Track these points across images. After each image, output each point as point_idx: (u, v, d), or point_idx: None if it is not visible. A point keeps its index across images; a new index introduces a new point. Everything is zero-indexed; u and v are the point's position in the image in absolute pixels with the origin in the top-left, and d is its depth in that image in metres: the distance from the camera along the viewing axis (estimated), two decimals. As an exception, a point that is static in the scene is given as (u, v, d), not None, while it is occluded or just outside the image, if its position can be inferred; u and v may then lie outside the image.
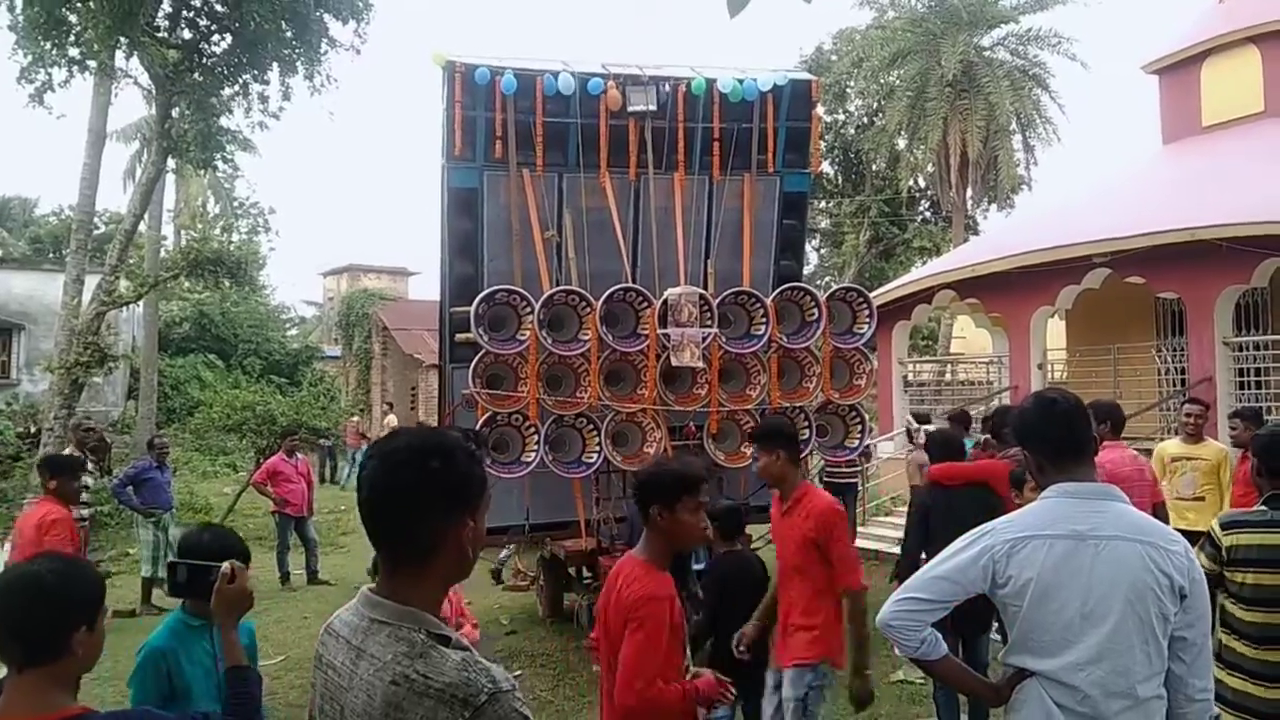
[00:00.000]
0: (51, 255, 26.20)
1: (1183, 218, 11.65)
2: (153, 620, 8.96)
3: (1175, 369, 13.17)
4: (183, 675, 2.91)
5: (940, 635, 2.57)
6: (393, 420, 22.00)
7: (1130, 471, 5.46)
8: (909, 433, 11.08)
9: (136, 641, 9.17)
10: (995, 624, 5.32)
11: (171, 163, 16.51)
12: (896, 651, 2.79)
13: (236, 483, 17.15)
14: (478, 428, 7.10)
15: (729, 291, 7.66)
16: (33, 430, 17.31)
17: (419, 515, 1.61)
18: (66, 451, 9.78)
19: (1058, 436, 2.59)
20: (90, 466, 9.99)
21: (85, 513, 9.86)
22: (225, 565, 2.36)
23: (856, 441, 8.22)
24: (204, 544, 2.69)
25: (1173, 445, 7.19)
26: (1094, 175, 20.35)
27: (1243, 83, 14.91)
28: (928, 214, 32.18)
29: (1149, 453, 7.04)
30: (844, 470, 10.58)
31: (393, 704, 1.52)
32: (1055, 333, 15.51)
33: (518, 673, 7.22)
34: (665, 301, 7.30)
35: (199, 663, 2.92)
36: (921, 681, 6.27)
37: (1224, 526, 3.56)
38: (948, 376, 20.64)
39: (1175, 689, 2.45)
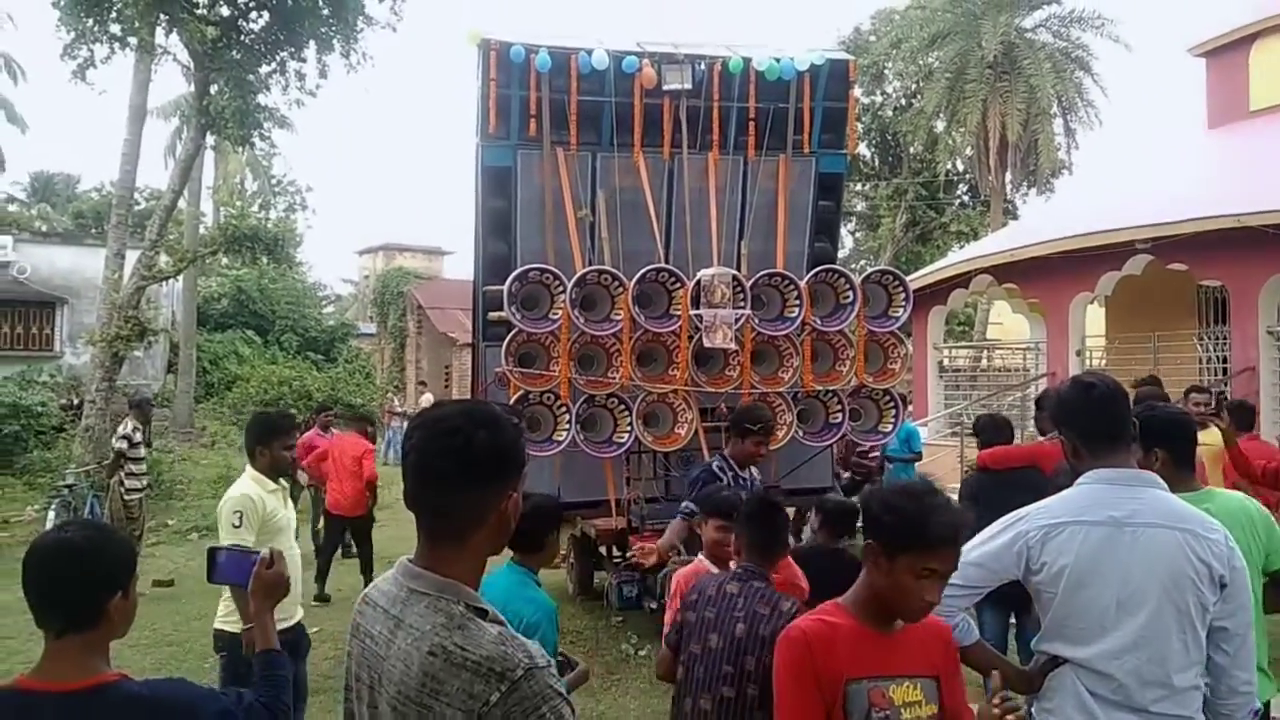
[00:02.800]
0: (94, 230, 26.59)
1: (1228, 204, 11.41)
2: (186, 587, 9.12)
3: (1217, 358, 12.95)
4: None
5: (971, 621, 2.54)
6: (429, 399, 22.18)
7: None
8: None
9: (175, 609, 9.33)
10: None
11: (210, 139, 16.70)
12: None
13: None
14: (510, 404, 7.13)
15: (762, 273, 7.61)
16: (75, 402, 17.62)
17: (466, 485, 1.61)
18: (132, 425, 9.84)
19: (1094, 421, 2.55)
20: (144, 438, 10.17)
21: (142, 484, 10.07)
22: (265, 551, 2.39)
23: (890, 426, 8.16)
24: None
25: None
26: (1137, 160, 20.01)
27: (1293, 66, 14.56)
28: (965, 198, 31.81)
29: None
30: (864, 461, 10.43)
31: (429, 674, 1.53)
32: (1094, 319, 15.30)
33: (546, 650, 7.27)
34: (698, 282, 7.26)
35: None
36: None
37: None
38: (984, 363, 20.43)
39: (1218, 680, 2.41)
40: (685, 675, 3.27)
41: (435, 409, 1.72)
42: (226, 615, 4.42)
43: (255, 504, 4.44)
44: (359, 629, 1.73)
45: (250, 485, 4.53)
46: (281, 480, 4.68)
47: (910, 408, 13.02)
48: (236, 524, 4.38)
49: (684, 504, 5.53)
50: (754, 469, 5.74)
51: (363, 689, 1.70)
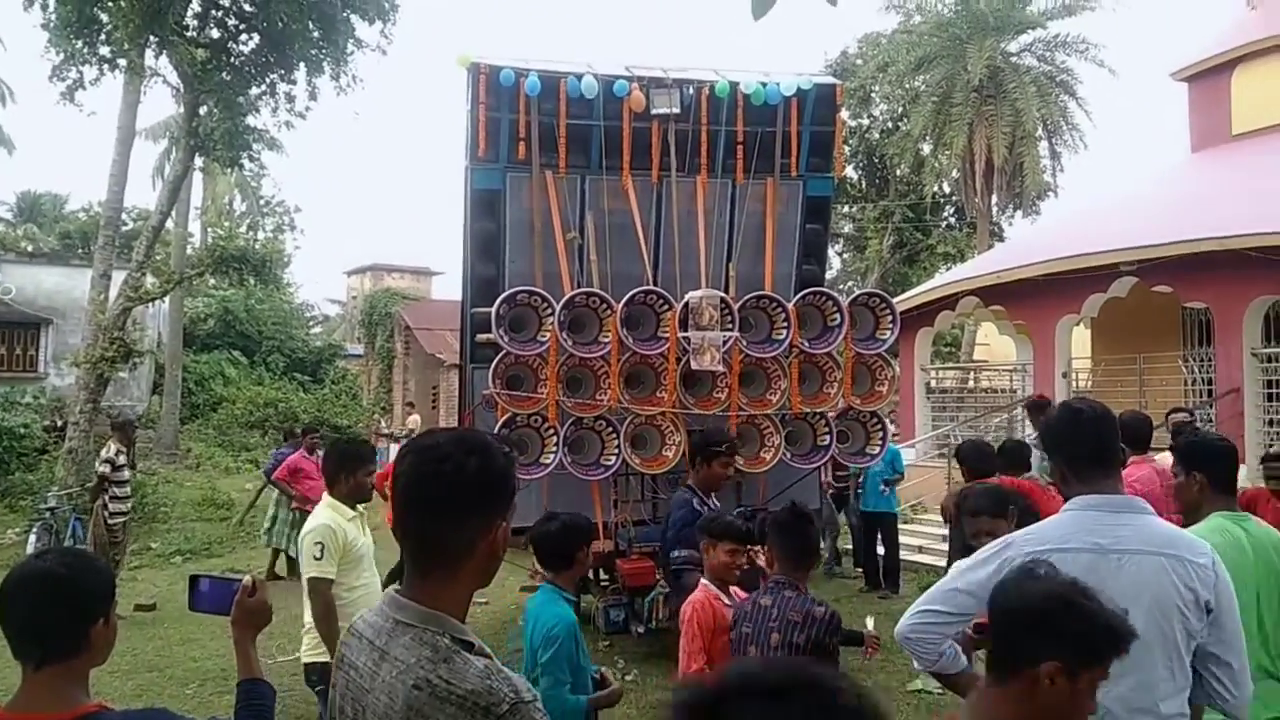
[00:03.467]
0: (80, 251, 26.49)
1: (1212, 226, 11.52)
2: (168, 612, 9.03)
3: (1202, 379, 13.01)
4: (580, 642, 3.55)
5: (958, 649, 2.53)
6: (416, 420, 22.09)
7: (1156, 490, 5.23)
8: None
9: (156, 634, 9.22)
10: None
11: (199, 161, 16.69)
12: (915, 665, 2.76)
13: (258, 479, 17.26)
14: (497, 428, 7.11)
15: (750, 295, 7.63)
16: (59, 423, 17.50)
17: (455, 513, 1.60)
18: (115, 448, 9.73)
19: (1081, 447, 2.55)
20: (131, 459, 10.08)
21: (126, 507, 9.96)
22: (246, 579, 2.37)
23: (878, 448, 8.17)
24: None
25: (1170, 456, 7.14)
26: (1121, 183, 20.17)
27: (1274, 90, 14.73)
28: (952, 220, 31.99)
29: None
30: (834, 480, 10.54)
31: (414, 708, 1.50)
32: (1080, 341, 15.37)
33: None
34: (686, 304, 7.28)
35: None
36: (940, 693, 6.22)
37: None
38: (970, 384, 20.48)
39: (1218, 707, 2.42)
40: None
41: (427, 436, 1.71)
42: (313, 648, 4.39)
43: (335, 533, 4.36)
44: (344, 660, 1.71)
45: (329, 514, 4.44)
46: (359, 508, 4.58)
47: (895, 429, 13.04)
48: (318, 555, 4.31)
49: (677, 554, 5.32)
50: (714, 497, 5.58)
51: None
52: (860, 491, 10.47)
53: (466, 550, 1.61)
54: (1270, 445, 11.45)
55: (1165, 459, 7.06)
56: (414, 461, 1.63)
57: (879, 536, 10.16)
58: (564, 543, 3.77)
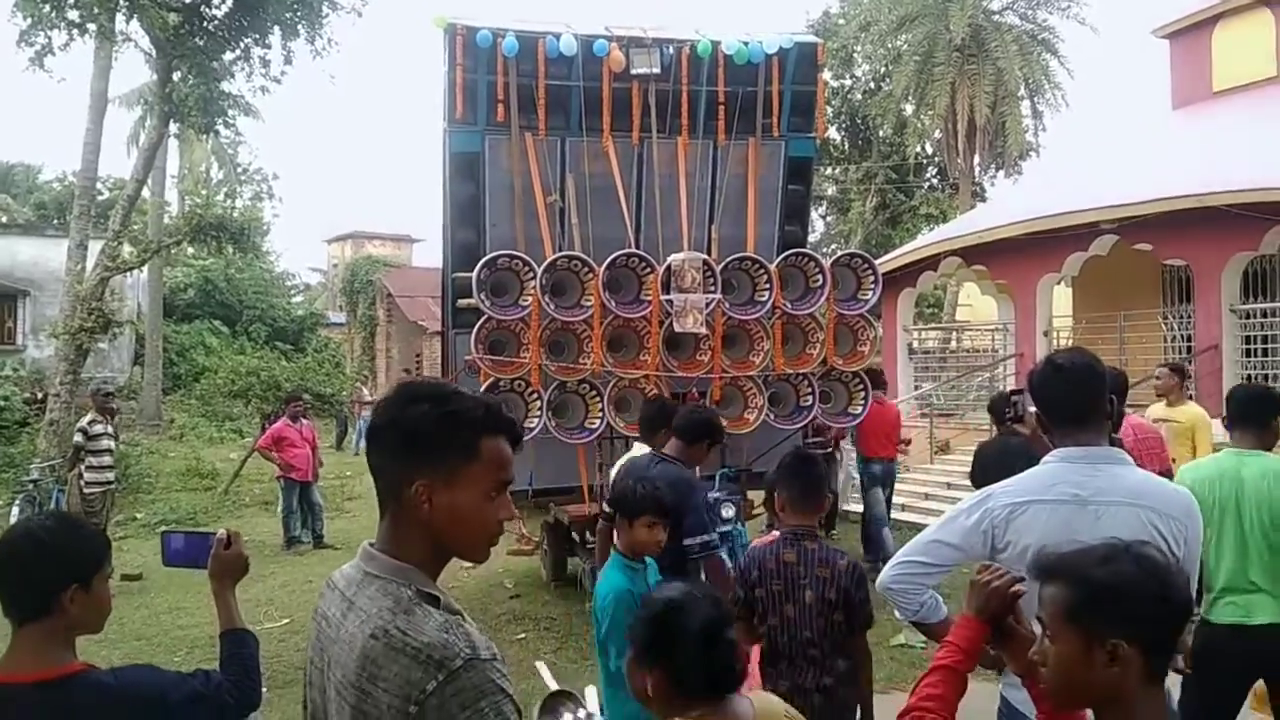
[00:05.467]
0: (55, 221, 26.15)
1: (1192, 184, 11.55)
2: (154, 581, 9.04)
3: (1181, 336, 13.13)
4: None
5: (939, 597, 2.56)
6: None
7: (1131, 444, 5.39)
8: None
9: (143, 603, 9.23)
10: None
11: (173, 127, 16.43)
12: (897, 615, 2.79)
13: (242, 448, 17.23)
14: (480, 392, 7.09)
15: (733, 257, 7.61)
16: (39, 396, 17.36)
17: (381, 454, 1.61)
18: (89, 418, 9.75)
19: (1061, 400, 2.57)
20: (111, 429, 10.04)
21: (110, 476, 9.94)
22: (221, 531, 2.37)
23: (860, 408, 8.21)
24: None
25: (1157, 408, 7.26)
26: (1102, 141, 20.20)
27: (1255, 47, 14.74)
28: (934, 181, 31.97)
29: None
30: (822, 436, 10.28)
31: (369, 658, 1.47)
32: (1062, 300, 15.45)
33: (521, 635, 7.28)
34: (668, 267, 7.25)
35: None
36: (923, 646, 6.30)
37: None
38: (953, 344, 20.59)
39: None
40: (770, 645, 3.42)
41: (401, 384, 1.73)
42: None
43: None
44: (318, 611, 1.70)
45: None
46: None
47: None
48: None
49: (703, 539, 4.68)
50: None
51: (315, 673, 1.66)
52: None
53: (391, 498, 1.60)
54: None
55: (1151, 412, 7.20)
56: (377, 406, 1.68)
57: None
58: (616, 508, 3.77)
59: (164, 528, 2.74)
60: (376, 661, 1.47)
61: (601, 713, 3.59)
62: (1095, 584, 1.62)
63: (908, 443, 10.16)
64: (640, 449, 5.33)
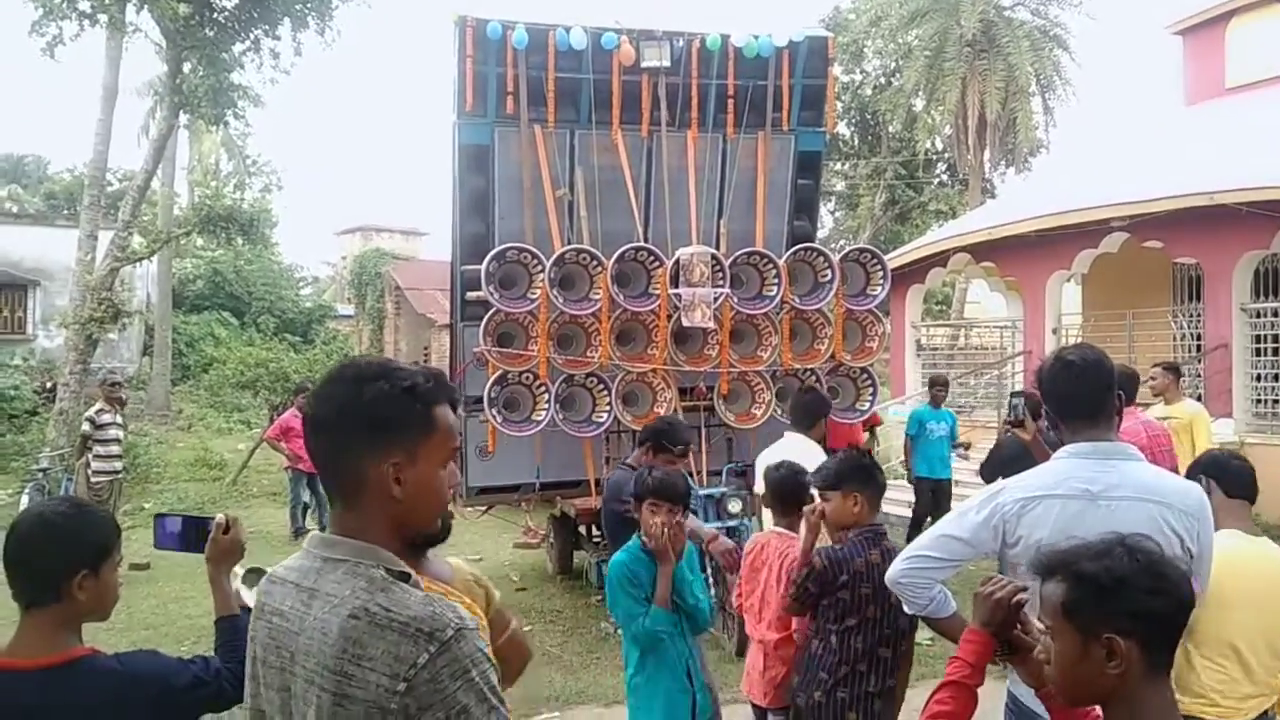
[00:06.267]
0: (66, 212, 26.21)
1: (1203, 182, 11.48)
2: (162, 570, 9.07)
3: (1191, 334, 13.05)
4: (642, 581, 3.54)
5: (948, 593, 2.56)
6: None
7: (1141, 441, 5.31)
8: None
9: (151, 592, 9.26)
10: None
11: (184, 118, 16.44)
12: (905, 609, 2.78)
13: (250, 439, 17.26)
14: (489, 386, 7.09)
15: (741, 252, 7.61)
16: (48, 385, 17.43)
17: (339, 439, 1.55)
18: (97, 408, 9.82)
19: (1072, 396, 2.56)
20: (120, 419, 10.08)
21: (118, 465, 9.99)
22: (220, 516, 2.38)
23: (868, 404, 8.19)
24: None
25: (1158, 407, 7.22)
26: (1113, 138, 20.10)
27: (1268, 44, 14.64)
28: (944, 177, 31.84)
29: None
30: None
31: (351, 638, 1.43)
32: (1070, 297, 15.39)
33: (526, 629, 7.27)
34: (677, 261, 7.25)
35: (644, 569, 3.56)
36: (930, 642, 6.28)
37: None
38: (961, 341, 20.53)
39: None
40: (841, 644, 3.37)
41: (342, 362, 1.67)
42: None
43: None
44: (264, 609, 1.61)
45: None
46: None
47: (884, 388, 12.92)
48: None
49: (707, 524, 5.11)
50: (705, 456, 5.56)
51: (270, 673, 1.58)
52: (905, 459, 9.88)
53: (355, 482, 1.54)
54: (1259, 399, 11.55)
55: (1151, 412, 7.18)
56: (317, 384, 1.61)
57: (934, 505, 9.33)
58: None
59: (160, 510, 2.76)
60: (360, 642, 1.43)
61: None
62: (1088, 579, 1.62)
63: (968, 446, 9.76)
64: (793, 438, 5.31)
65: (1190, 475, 3.04)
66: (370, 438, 1.53)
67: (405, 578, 1.50)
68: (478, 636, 1.46)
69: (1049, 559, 1.72)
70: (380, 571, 1.49)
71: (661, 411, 7.39)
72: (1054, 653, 1.67)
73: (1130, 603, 1.58)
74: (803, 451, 4.82)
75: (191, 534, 2.38)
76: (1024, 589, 1.95)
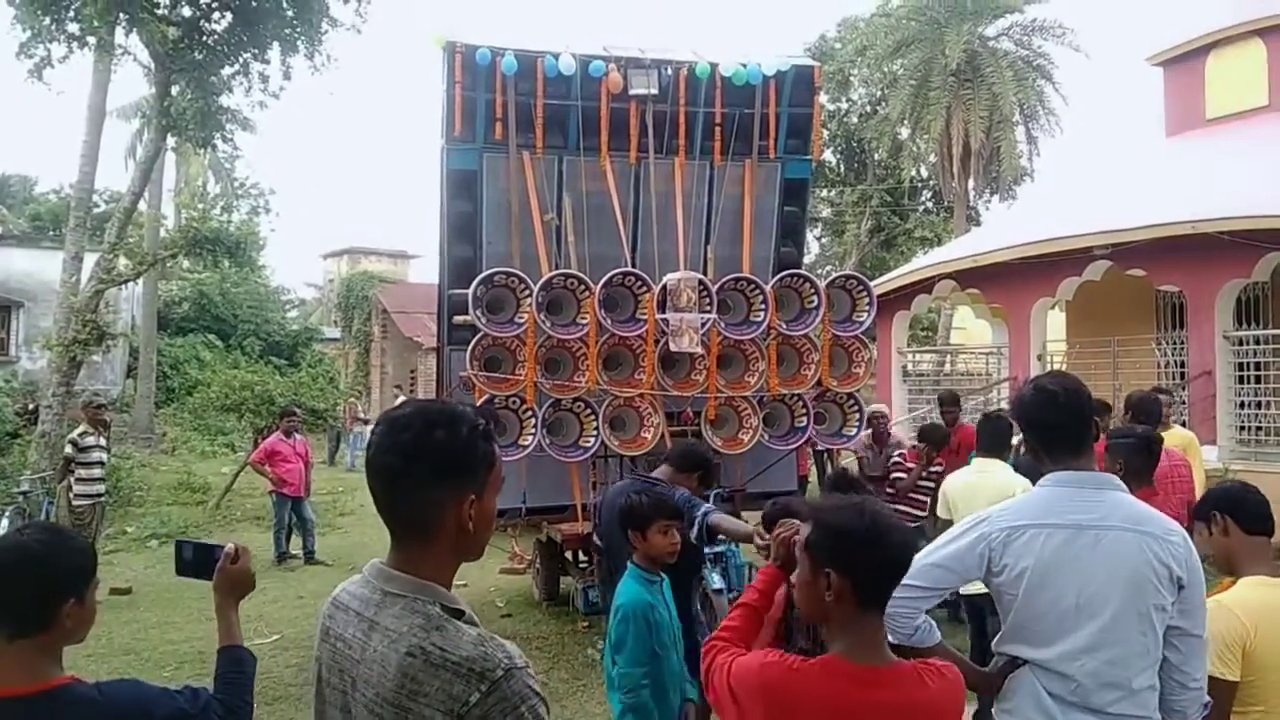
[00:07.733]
0: (51, 233, 26.08)
1: (1185, 211, 11.61)
2: (144, 595, 8.98)
3: (1175, 362, 13.16)
4: (659, 625, 3.51)
5: (933, 623, 2.55)
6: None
7: (1165, 469, 4.97)
8: None
9: (132, 617, 9.16)
10: None
11: (171, 141, 16.46)
12: (890, 639, 2.78)
13: (235, 462, 17.15)
14: (480, 406, 7.07)
15: (728, 277, 7.63)
16: (31, 407, 17.29)
17: (414, 485, 1.60)
18: (80, 430, 9.74)
19: (1052, 425, 2.57)
20: (103, 442, 9.99)
21: (101, 489, 9.89)
22: (230, 546, 2.35)
23: (854, 430, 8.21)
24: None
25: None
26: (1096, 167, 20.31)
27: (1248, 76, 14.86)
28: (929, 204, 32.11)
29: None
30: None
31: (408, 675, 1.51)
32: (1055, 324, 15.50)
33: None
34: (664, 286, 7.27)
35: (661, 609, 3.57)
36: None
37: None
38: (947, 367, 20.62)
39: (1169, 676, 2.43)
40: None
41: (399, 407, 1.71)
42: None
43: None
44: (329, 633, 1.70)
45: None
46: None
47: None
48: None
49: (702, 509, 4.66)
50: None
51: (334, 694, 1.67)
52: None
53: (433, 522, 1.60)
54: (1241, 427, 11.63)
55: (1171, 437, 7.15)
56: (380, 432, 1.65)
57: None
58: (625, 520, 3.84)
59: (179, 537, 2.71)
60: (416, 679, 1.52)
61: None
62: (824, 525, 2.05)
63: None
64: (988, 463, 5.72)
65: (1201, 511, 2.89)
66: (451, 480, 1.61)
67: (459, 614, 1.58)
68: (527, 674, 1.54)
69: (813, 505, 2.33)
70: (436, 609, 1.57)
71: (649, 437, 7.39)
72: (797, 576, 2.11)
73: (848, 550, 1.98)
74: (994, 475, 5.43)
75: (201, 561, 2.35)
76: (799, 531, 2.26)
